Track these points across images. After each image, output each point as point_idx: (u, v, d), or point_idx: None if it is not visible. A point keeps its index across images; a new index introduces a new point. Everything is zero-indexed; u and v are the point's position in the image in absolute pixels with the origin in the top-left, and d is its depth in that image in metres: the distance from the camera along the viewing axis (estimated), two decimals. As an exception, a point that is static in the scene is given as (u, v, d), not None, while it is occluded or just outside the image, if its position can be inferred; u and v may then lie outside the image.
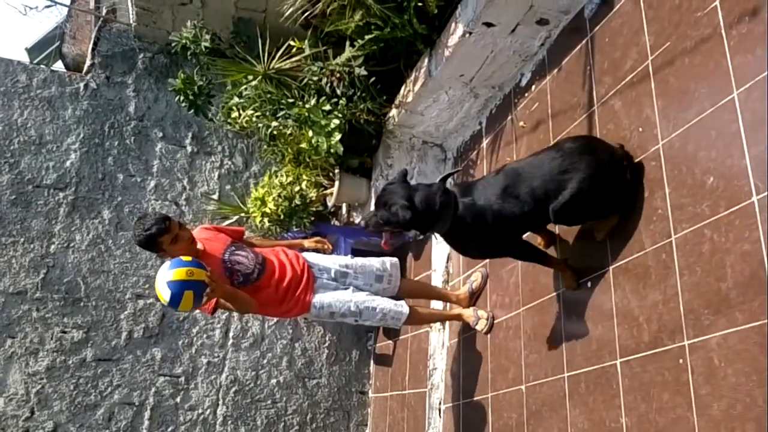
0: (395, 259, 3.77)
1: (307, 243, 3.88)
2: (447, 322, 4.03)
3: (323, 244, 3.85)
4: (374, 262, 3.69)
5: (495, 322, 3.47)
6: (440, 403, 3.91)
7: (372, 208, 4.27)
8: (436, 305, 4.09)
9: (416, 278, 4.52)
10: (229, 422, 4.60)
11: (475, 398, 3.52)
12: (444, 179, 2.86)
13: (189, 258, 2.98)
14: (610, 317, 2.56)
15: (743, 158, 2.06)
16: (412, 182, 4.31)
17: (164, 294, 2.90)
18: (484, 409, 3.42)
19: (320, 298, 3.45)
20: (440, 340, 4.05)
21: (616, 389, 2.46)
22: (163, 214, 3.21)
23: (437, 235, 2.91)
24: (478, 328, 3.54)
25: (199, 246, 3.30)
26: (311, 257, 3.65)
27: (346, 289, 3.54)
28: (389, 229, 2.85)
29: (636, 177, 2.52)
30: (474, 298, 3.71)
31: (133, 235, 3.23)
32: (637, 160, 2.55)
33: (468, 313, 3.61)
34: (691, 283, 2.18)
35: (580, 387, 2.68)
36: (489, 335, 3.51)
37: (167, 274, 2.89)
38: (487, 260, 3.64)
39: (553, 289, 3.00)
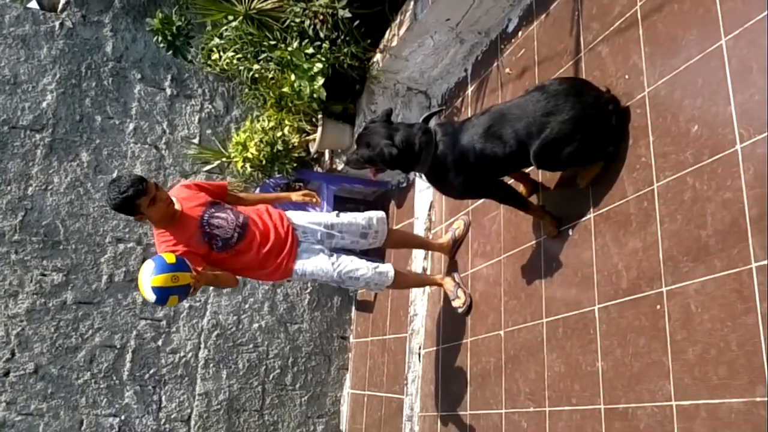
0: (382, 214, 3.63)
1: (294, 197, 3.71)
2: (427, 269, 4.05)
3: (312, 198, 3.70)
4: (360, 220, 3.55)
5: (476, 270, 3.49)
6: (420, 348, 3.97)
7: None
8: (419, 258, 4.11)
9: (398, 226, 4.53)
10: (211, 365, 4.64)
11: (455, 343, 3.58)
12: (426, 119, 2.85)
13: (172, 258, 2.86)
14: (590, 264, 2.58)
15: (728, 106, 2.05)
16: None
17: (148, 296, 2.84)
18: (463, 354, 3.47)
19: (302, 265, 3.35)
20: (421, 287, 4.08)
21: (593, 334, 2.50)
22: (138, 175, 3.09)
23: (422, 176, 2.91)
24: (454, 305, 3.53)
25: (177, 207, 3.18)
26: (296, 217, 3.49)
27: (330, 256, 3.41)
28: (371, 167, 2.88)
29: (621, 123, 2.51)
30: (457, 245, 3.71)
31: (107, 199, 3.05)
32: (622, 107, 2.53)
33: (449, 286, 3.58)
34: (671, 231, 2.20)
35: (557, 332, 2.73)
36: (470, 284, 3.54)
37: (149, 279, 2.79)
38: (470, 208, 3.64)
39: (534, 237, 3.01)
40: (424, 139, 2.70)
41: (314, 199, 3.70)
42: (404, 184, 4.62)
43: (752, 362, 1.84)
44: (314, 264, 3.35)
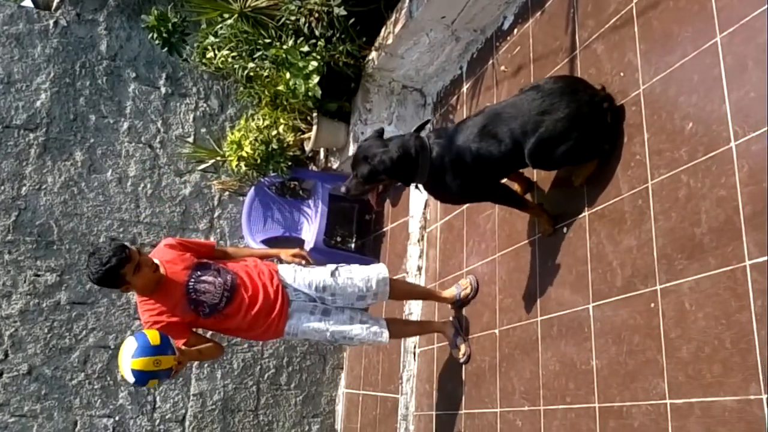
0: (383, 273, 3.34)
1: (284, 255, 3.46)
2: (422, 268, 4.04)
3: (302, 258, 3.44)
4: (358, 281, 3.27)
5: (470, 268, 3.48)
6: (415, 347, 3.96)
7: (350, 152, 4.25)
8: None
9: (394, 224, 4.51)
10: (206, 365, 4.62)
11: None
12: (418, 129, 2.83)
13: (156, 338, 2.70)
14: (585, 262, 2.57)
15: (723, 103, 2.04)
16: (390, 128, 4.32)
17: (128, 377, 2.71)
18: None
19: (294, 326, 3.19)
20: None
21: (588, 332, 2.49)
22: (118, 241, 2.98)
23: (420, 187, 2.85)
24: (454, 354, 3.37)
25: (162, 271, 2.99)
26: (287, 275, 3.27)
27: (323, 315, 3.23)
28: (372, 186, 2.78)
29: (616, 121, 2.50)
30: (461, 305, 3.49)
31: (88, 274, 2.88)
32: (617, 105, 2.52)
33: (449, 334, 3.42)
34: (665, 229, 2.19)
35: (552, 330, 2.72)
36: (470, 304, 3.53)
37: (130, 361, 2.65)
38: (474, 278, 3.46)
39: (529, 235, 3.00)
40: (418, 143, 2.66)
41: (304, 260, 3.44)
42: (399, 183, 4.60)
43: (746, 360, 1.83)
44: (306, 324, 3.20)
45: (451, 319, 3.51)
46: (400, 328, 3.49)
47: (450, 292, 3.51)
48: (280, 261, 3.45)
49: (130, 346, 2.68)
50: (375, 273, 3.32)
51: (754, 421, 1.78)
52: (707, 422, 1.93)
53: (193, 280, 3.02)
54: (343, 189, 2.80)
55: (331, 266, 3.33)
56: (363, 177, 2.71)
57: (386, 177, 2.71)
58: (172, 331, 2.92)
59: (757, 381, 1.79)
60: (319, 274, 3.29)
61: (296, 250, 3.49)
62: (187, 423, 4.51)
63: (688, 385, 2.02)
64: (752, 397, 1.80)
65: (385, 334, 3.28)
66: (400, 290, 3.54)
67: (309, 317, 3.22)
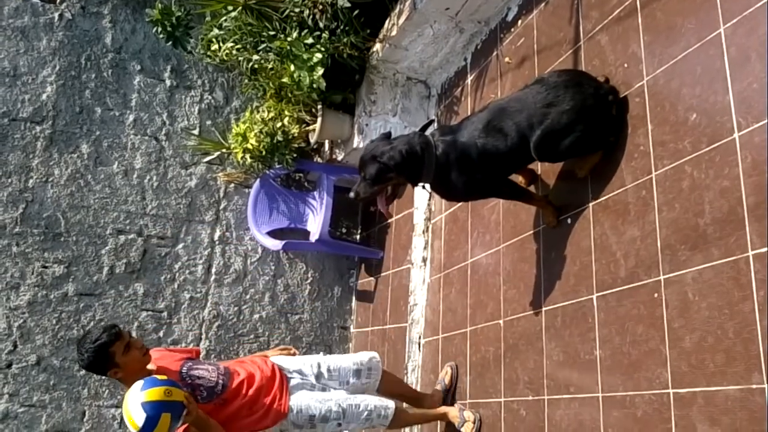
0: (374, 354, 3.43)
1: (270, 353, 3.47)
2: (427, 259, 4.06)
3: (288, 350, 3.50)
4: (348, 362, 3.31)
5: (475, 260, 3.50)
6: (420, 338, 3.98)
7: (355, 144, 4.27)
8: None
9: (398, 216, 4.53)
10: (212, 356, 4.65)
11: (454, 332, 3.59)
12: (423, 129, 2.83)
13: (164, 376, 2.63)
14: (589, 253, 2.59)
15: (726, 94, 2.05)
16: (395, 119, 4.33)
17: (136, 417, 2.48)
18: (462, 343, 3.49)
19: (297, 401, 3.07)
20: (421, 277, 4.09)
21: (592, 323, 2.51)
22: (109, 323, 2.91)
23: (426, 187, 2.83)
24: (463, 430, 3.23)
25: (152, 366, 2.91)
26: (279, 360, 3.29)
27: (322, 389, 3.20)
28: (381, 188, 2.74)
29: (621, 113, 2.51)
30: (449, 394, 3.49)
31: (78, 357, 2.81)
32: (621, 96, 2.53)
33: (453, 413, 3.30)
34: (669, 219, 2.20)
35: (556, 321, 2.74)
36: (469, 274, 3.54)
37: (140, 395, 2.51)
38: (454, 363, 3.52)
39: (533, 226, 3.02)
40: (423, 141, 2.65)
41: (291, 351, 3.48)
42: (407, 182, 4.61)
43: (749, 350, 1.85)
44: (309, 396, 3.12)
45: (454, 407, 3.39)
46: (404, 416, 3.33)
47: (436, 393, 3.49)
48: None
49: (136, 385, 2.56)
50: (365, 353, 3.43)
51: (757, 410, 1.80)
52: (710, 411, 1.95)
53: (185, 368, 2.99)
54: (351, 194, 2.75)
55: (321, 354, 3.44)
56: (371, 177, 2.68)
57: (394, 175, 2.67)
58: None
59: (759, 370, 1.81)
60: (312, 356, 3.39)
61: (281, 346, 3.62)
62: (194, 413, 4.55)
63: (691, 374, 2.04)
64: (754, 386, 1.82)
65: (391, 404, 3.18)
66: (391, 382, 3.49)
67: (310, 392, 3.16)
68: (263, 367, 3.15)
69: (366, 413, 3.10)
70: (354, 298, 5.13)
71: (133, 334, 4.28)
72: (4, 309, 4.27)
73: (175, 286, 4.66)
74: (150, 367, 2.89)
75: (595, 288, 2.52)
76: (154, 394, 2.50)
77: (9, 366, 4.22)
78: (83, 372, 4.33)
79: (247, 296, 4.83)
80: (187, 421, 2.65)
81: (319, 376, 3.24)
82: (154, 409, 2.48)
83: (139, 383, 2.55)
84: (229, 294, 4.79)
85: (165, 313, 4.60)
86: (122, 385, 2.91)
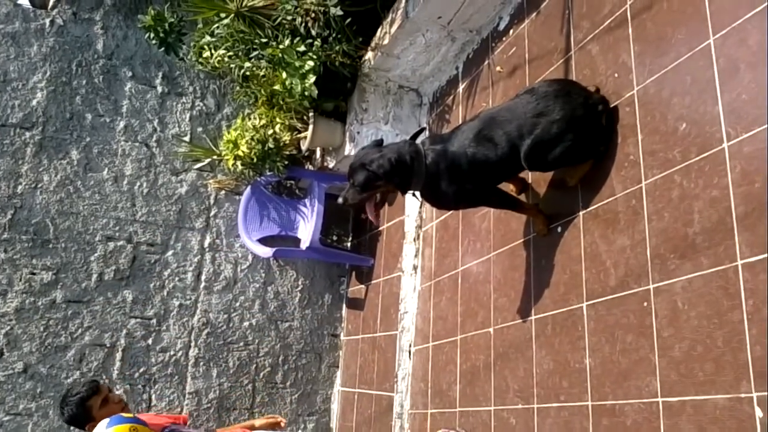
0: None
1: (257, 423, 3.53)
2: (418, 267, 4.06)
3: (275, 419, 3.58)
4: None
5: (466, 268, 3.50)
6: (410, 346, 3.97)
7: (346, 152, 4.27)
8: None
9: (390, 224, 4.53)
10: (201, 363, 4.63)
11: (445, 340, 3.58)
12: (413, 137, 2.83)
13: (129, 414, 2.68)
14: (579, 262, 2.59)
15: (716, 105, 2.06)
16: (387, 127, 4.34)
17: None
18: (452, 351, 3.48)
19: None
20: (412, 285, 4.09)
21: (582, 331, 2.51)
22: (90, 379, 3.04)
23: (416, 194, 2.84)
24: None
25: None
26: (264, 429, 3.35)
27: None
28: (369, 195, 2.74)
29: (611, 123, 2.53)
30: None
31: (60, 413, 2.97)
32: (611, 106, 2.54)
33: None
34: (659, 229, 2.21)
35: (546, 329, 2.74)
36: (459, 282, 3.54)
37: (107, 429, 2.53)
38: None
39: (523, 235, 3.02)
40: (413, 150, 2.65)
41: (280, 420, 3.55)
42: (395, 190, 4.62)
43: (738, 359, 1.86)
44: None
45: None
46: None
47: None
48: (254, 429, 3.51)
49: (102, 423, 2.57)
50: None
51: (745, 419, 1.81)
52: (699, 420, 1.95)
53: (170, 428, 3.02)
54: (340, 200, 2.75)
55: None
56: (360, 184, 2.67)
57: (383, 183, 2.67)
58: None
59: (748, 379, 1.82)
60: None
61: (269, 416, 3.68)
62: (182, 421, 4.52)
63: (680, 383, 2.04)
64: (743, 395, 1.82)
65: None
66: None
67: None
68: None
69: None
70: (344, 305, 5.12)
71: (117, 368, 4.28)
72: (-9, 316, 4.24)
73: (165, 293, 4.64)
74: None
75: (585, 296, 2.53)
76: (121, 430, 2.51)
77: (-5, 373, 4.18)
78: (71, 380, 4.30)
79: (237, 303, 4.81)
80: None
81: None
82: None
83: (105, 421, 2.57)
84: (219, 301, 4.76)
85: (154, 321, 4.57)
86: None
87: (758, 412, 1.77)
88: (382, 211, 4.66)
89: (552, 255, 2.78)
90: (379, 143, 2.84)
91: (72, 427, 3.18)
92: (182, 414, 4.34)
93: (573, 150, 2.49)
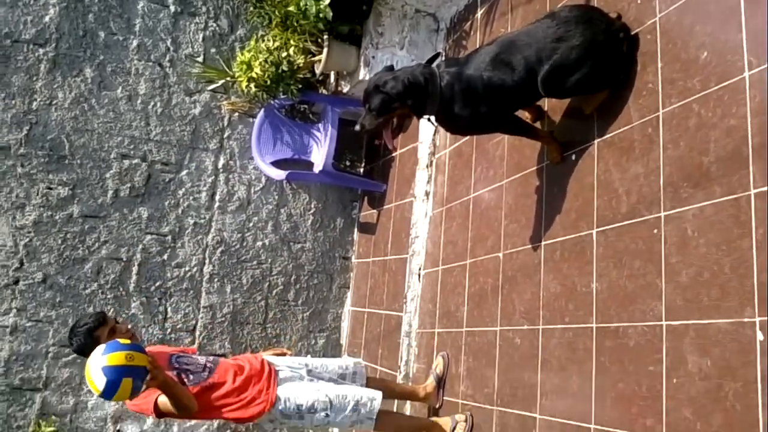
0: (359, 359, 3.62)
1: (265, 354, 3.50)
2: (430, 193, 4.10)
3: (282, 351, 3.59)
4: (333, 364, 3.45)
5: (478, 194, 3.54)
6: (420, 269, 4.07)
7: (361, 76, 4.25)
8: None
9: (402, 150, 4.55)
10: (216, 280, 4.75)
11: (454, 264, 3.67)
12: (429, 62, 2.81)
13: (127, 340, 2.63)
14: (591, 189, 2.63)
15: (739, 32, 2.05)
16: (402, 52, 4.30)
17: (97, 381, 2.47)
18: (461, 275, 3.57)
19: (286, 391, 3.10)
20: (423, 210, 4.15)
21: (590, 257, 2.57)
22: (97, 310, 3.07)
23: (432, 119, 2.84)
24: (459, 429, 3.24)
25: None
26: (269, 357, 3.35)
27: (311, 381, 3.27)
28: (386, 119, 2.72)
29: (631, 50, 2.51)
30: (441, 384, 3.54)
31: (69, 344, 3.03)
32: (632, 33, 2.52)
33: (444, 421, 3.32)
34: (673, 157, 2.24)
35: (555, 255, 2.80)
36: (471, 208, 3.59)
37: (101, 359, 2.48)
38: (445, 353, 3.57)
39: (537, 162, 3.05)
40: (427, 71, 2.64)
41: (285, 351, 3.59)
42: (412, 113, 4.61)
43: (744, 285, 1.91)
44: (298, 388, 3.16)
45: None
46: (393, 416, 3.43)
47: (429, 383, 3.56)
48: None
49: (98, 348, 2.56)
50: (350, 358, 3.58)
51: (746, 342, 1.87)
52: (701, 343, 2.02)
53: (175, 356, 3.09)
54: (357, 127, 2.74)
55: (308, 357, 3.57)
56: (376, 108, 2.67)
57: (398, 105, 2.66)
58: (155, 393, 2.86)
59: (752, 305, 1.88)
60: (299, 357, 3.51)
61: (275, 349, 3.74)
62: (197, 333, 4.67)
63: (685, 308, 2.11)
64: (746, 319, 1.89)
65: (379, 395, 3.20)
66: (378, 385, 3.50)
67: (299, 383, 3.22)
68: (253, 360, 3.22)
69: (353, 403, 3.12)
70: (356, 229, 5.20)
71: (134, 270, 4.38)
72: (10, 228, 4.33)
73: (179, 211, 4.71)
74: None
75: (596, 223, 2.57)
76: (116, 358, 2.48)
77: (16, 282, 4.31)
78: (88, 291, 4.43)
79: (251, 224, 4.90)
80: (151, 386, 2.68)
81: (308, 372, 3.33)
82: (114, 374, 2.46)
83: (101, 347, 2.55)
84: (233, 221, 4.85)
85: (169, 237, 4.67)
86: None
87: (759, 336, 1.83)
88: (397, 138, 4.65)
89: (564, 182, 2.81)
90: (390, 69, 2.83)
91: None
92: (192, 346, 4.49)
93: (591, 77, 2.49)
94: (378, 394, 3.20)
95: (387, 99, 2.65)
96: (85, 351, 2.88)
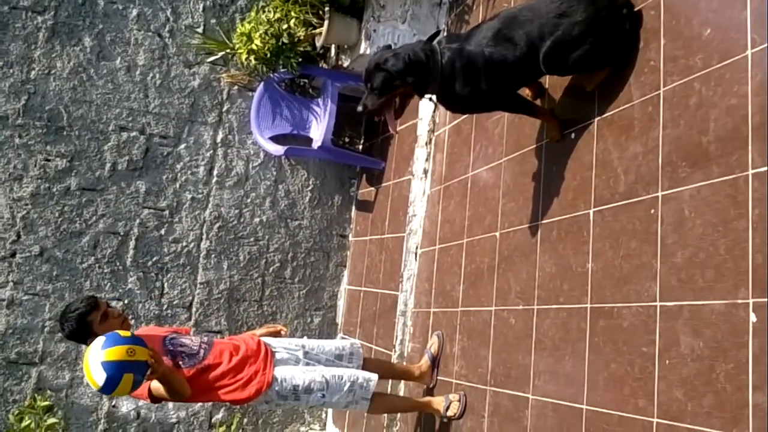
0: (355, 340, 3.61)
1: (259, 331, 3.49)
2: (428, 171, 4.07)
3: (276, 329, 3.54)
4: (330, 345, 3.43)
5: (476, 173, 3.51)
6: (417, 248, 4.04)
7: (362, 50, 4.19)
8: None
9: (402, 127, 4.51)
10: (213, 256, 4.74)
11: (451, 243, 3.64)
12: (430, 39, 2.76)
13: (127, 333, 2.57)
14: (590, 168, 2.59)
15: (744, 10, 2.00)
16: (404, 26, 4.24)
17: (97, 377, 2.43)
18: (458, 254, 3.54)
19: (282, 372, 3.09)
20: (421, 188, 4.11)
21: (587, 237, 2.54)
22: (88, 294, 3.00)
23: (434, 98, 2.80)
24: (449, 413, 3.23)
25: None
26: (265, 338, 3.32)
27: (308, 363, 3.26)
28: (389, 98, 2.68)
29: (634, 27, 2.46)
30: (436, 363, 3.53)
31: (60, 329, 2.94)
32: (636, 9, 2.47)
33: (438, 401, 3.32)
34: (673, 136, 2.20)
35: (552, 234, 2.77)
36: (469, 186, 3.56)
37: (100, 353, 2.43)
38: (440, 332, 3.56)
39: (536, 141, 3.01)
40: (428, 48, 2.59)
41: (279, 329, 3.54)
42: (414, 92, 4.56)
43: (739, 266, 1.88)
44: (294, 369, 3.15)
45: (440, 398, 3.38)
46: (385, 400, 3.42)
47: (423, 362, 3.55)
48: None
49: (97, 341, 2.51)
50: (347, 340, 3.56)
51: (739, 323, 1.85)
52: (695, 324, 2.00)
53: (169, 337, 3.05)
54: (360, 108, 2.69)
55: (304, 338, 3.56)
56: (378, 87, 2.62)
57: (400, 83, 2.61)
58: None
59: (746, 286, 1.85)
60: (295, 339, 3.50)
61: (269, 325, 3.64)
62: (193, 309, 4.67)
63: (679, 288, 2.08)
64: (740, 301, 1.86)
65: (374, 376, 3.21)
66: (375, 364, 3.53)
67: (295, 366, 3.21)
68: (249, 341, 3.20)
69: (349, 384, 3.12)
70: (354, 207, 5.18)
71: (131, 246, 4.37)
72: (7, 199, 4.31)
73: (177, 185, 4.69)
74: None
75: (593, 203, 2.54)
76: (116, 353, 2.43)
77: (13, 255, 4.31)
78: (85, 265, 4.43)
79: (248, 200, 4.87)
80: (151, 379, 2.66)
81: (305, 354, 3.31)
82: (115, 370, 2.42)
83: (101, 339, 2.49)
84: (231, 197, 4.82)
85: (167, 212, 4.65)
86: None
87: (752, 317, 1.81)
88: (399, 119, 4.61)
89: (563, 161, 2.77)
90: (388, 47, 2.79)
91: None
92: (185, 327, 4.48)
93: (593, 54, 2.44)
94: (374, 376, 3.21)
95: (388, 77, 2.59)
96: (76, 337, 2.90)
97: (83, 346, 4.23)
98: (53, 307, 4.34)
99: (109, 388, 2.45)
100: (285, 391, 3.06)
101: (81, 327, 2.84)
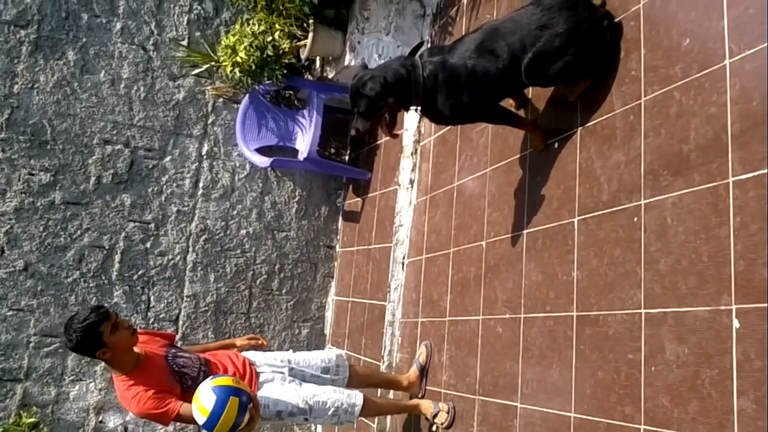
0: (341, 351, 3.62)
1: (239, 342, 3.56)
2: (414, 181, 4.09)
3: (257, 340, 3.58)
4: (316, 359, 3.43)
5: (461, 182, 3.53)
6: (404, 258, 4.05)
7: (346, 62, 4.21)
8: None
9: (388, 137, 4.51)
10: (199, 268, 4.72)
11: (437, 253, 3.65)
12: (412, 52, 2.79)
13: (227, 380, 2.75)
14: (573, 177, 2.61)
15: (721, 20, 2.03)
16: (388, 38, 4.26)
17: (206, 401, 2.61)
18: (444, 264, 3.56)
19: (266, 395, 3.10)
20: (408, 199, 4.13)
21: (571, 245, 2.56)
22: (96, 304, 2.96)
23: (417, 110, 2.81)
24: (437, 421, 3.24)
25: (137, 349, 2.97)
26: (250, 355, 3.34)
27: (292, 381, 3.25)
28: (377, 117, 2.72)
29: (615, 38, 2.49)
30: (424, 373, 3.54)
31: (66, 340, 2.82)
32: (616, 20, 2.50)
33: (426, 405, 3.34)
34: (654, 145, 2.22)
35: (537, 243, 2.79)
36: (455, 196, 3.58)
37: (209, 382, 2.68)
38: (429, 342, 3.56)
39: (520, 150, 3.03)
40: (408, 62, 2.62)
41: (260, 341, 3.57)
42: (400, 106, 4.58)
43: (721, 273, 1.90)
44: (278, 392, 3.15)
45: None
46: (374, 403, 3.39)
47: (411, 372, 3.56)
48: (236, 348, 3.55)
49: (206, 381, 2.74)
50: (332, 351, 3.56)
51: (722, 330, 1.87)
52: (679, 331, 2.02)
53: (170, 354, 3.07)
54: (353, 132, 2.76)
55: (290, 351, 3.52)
56: (363, 111, 2.67)
57: (384, 102, 2.64)
58: (170, 398, 2.87)
59: (729, 293, 1.87)
60: (281, 352, 3.48)
61: (250, 335, 3.72)
62: (180, 322, 4.65)
63: (663, 295, 2.10)
64: (723, 307, 1.88)
65: (359, 398, 3.22)
66: (362, 373, 3.59)
67: (279, 386, 3.20)
68: (236, 361, 3.22)
69: (332, 410, 3.15)
70: (341, 217, 5.18)
71: (121, 242, 4.34)
72: (-10, 214, 4.28)
73: (163, 198, 4.67)
74: (136, 350, 2.94)
75: (577, 211, 2.56)
76: (224, 380, 2.69)
77: (-4, 270, 4.27)
78: (70, 279, 4.39)
79: (235, 212, 4.86)
80: (251, 414, 2.68)
81: (290, 369, 3.31)
82: (223, 392, 2.62)
83: (207, 380, 2.74)
84: (217, 209, 4.81)
85: (152, 225, 4.63)
86: (109, 368, 2.98)
87: (735, 323, 1.83)
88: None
89: (547, 171, 2.80)
90: (364, 66, 2.84)
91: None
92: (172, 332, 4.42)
93: (574, 65, 2.46)
94: (359, 399, 3.22)
95: (370, 102, 2.64)
96: (83, 347, 2.81)
97: (69, 361, 4.27)
98: (38, 322, 4.31)
99: (218, 409, 2.59)
100: (268, 415, 3.11)
101: (90, 337, 2.76)
